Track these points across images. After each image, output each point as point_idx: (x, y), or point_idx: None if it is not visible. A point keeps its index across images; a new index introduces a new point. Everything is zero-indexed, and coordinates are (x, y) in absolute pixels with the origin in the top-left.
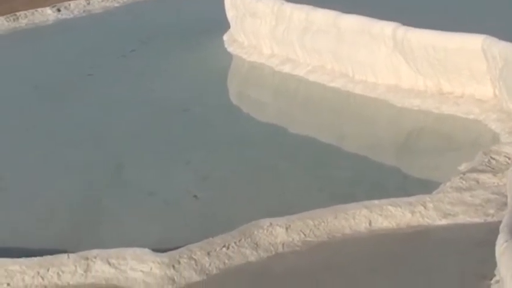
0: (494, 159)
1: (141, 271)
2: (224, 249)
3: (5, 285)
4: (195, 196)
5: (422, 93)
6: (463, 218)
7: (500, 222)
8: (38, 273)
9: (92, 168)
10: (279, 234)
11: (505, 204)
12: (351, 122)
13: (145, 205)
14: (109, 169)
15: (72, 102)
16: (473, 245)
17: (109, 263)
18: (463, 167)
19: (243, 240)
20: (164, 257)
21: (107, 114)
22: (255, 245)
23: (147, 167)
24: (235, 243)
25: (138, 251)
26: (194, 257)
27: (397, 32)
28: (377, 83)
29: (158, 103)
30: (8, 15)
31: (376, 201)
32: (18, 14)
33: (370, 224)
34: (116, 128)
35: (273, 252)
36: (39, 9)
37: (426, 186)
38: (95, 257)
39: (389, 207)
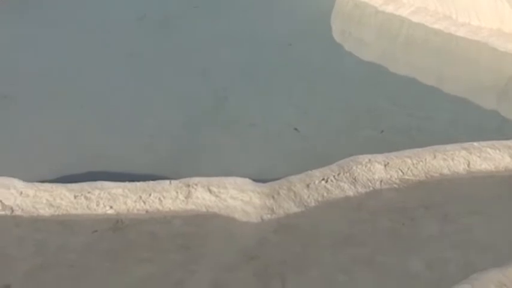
0: None
1: (241, 200)
2: (323, 182)
3: (108, 207)
4: (296, 129)
5: None
6: None
7: None
8: (140, 197)
9: (195, 98)
10: (377, 170)
11: None
12: (452, 65)
13: (247, 136)
14: (212, 100)
15: (178, 33)
16: None
17: (210, 191)
18: None
19: (341, 174)
20: (264, 187)
21: (212, 47)
22: (353, 180)
23: (250, 100)
24: (334, 177)
25: (238, 180)
26: (293, 188)
27: None
28: (480, 26)
29: (263, 38)
30: None
31: (475, 143)
32: None
33: (468, 165)
34: (220, 60)
35: (371, 188)
36: None
37: None
38: (196, 184)
39: (488, 150)
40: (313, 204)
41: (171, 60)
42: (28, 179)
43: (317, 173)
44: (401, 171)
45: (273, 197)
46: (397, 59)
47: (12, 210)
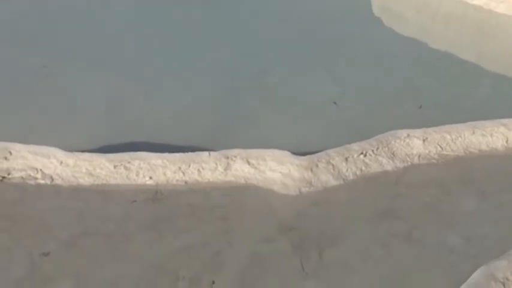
0: None
1: (280, 172)
2: (361, 156)
3: (148, 178)
4: (335, 103)
5: None
6: None
7: None
8: (180, 168)
9: (236, 71)
10: (415, 145)
11: None
12: (492, 41)
13: (286, 109)
14: (252, 73)
15: (220, 6)
16: None
17: (248, 163)
18: None
19: (380, 149)
20: (303, 160)
21: (254, 20)
22: (392, 155)
23: (290, 73)
24: (372, 151)
25: (277, 152)
26: (332, 162)
27: None
28: None
29: (302, 13)
30: None
31: None
32: None
33: (507, 141)
34: (262, 34)
35: (409, 163)
36: None
37: None
38: (235, 156)
39: None
40: (351, 177)
41: (212, 33)
42: (68, 148)
43: (355, 147)
44: (440, 146)
45: (312, 170)
46: (437, 34)
47: (52, 179)
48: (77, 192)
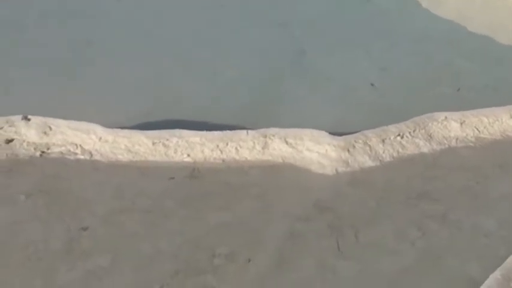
0: None
1: (317, 152)
2: (398, 138)
3: (186, 155)
4: (372, 84)
5: None
6: None
7: None
8: (217, 146)
9: (273, 51)
10: (453, 128)
11: None
12: None
13: (324, 90)
14: (290, 53)
15: None
16: None
17: (286, 142)
18: None
19: (417, 131)
20: (340, 141)
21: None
22: (429, 137)
23: (328, 54)
24: (409, 133)
25: (315, 132)
26: (369, 143)
27: None
28: None
29: None
30: None
31: None
32: None
33: None
34: (299, 13)
35: (446, 146)
36: None
37: None
38: (273, 135)
39: None
40: (388, 159)
41: (252, 13)
42: (107, 125)
43: (393, 128)
44: (477, 129)
45: (349, 151)
46: (475, 17)
47: (91, 155)
48: (115, 168)
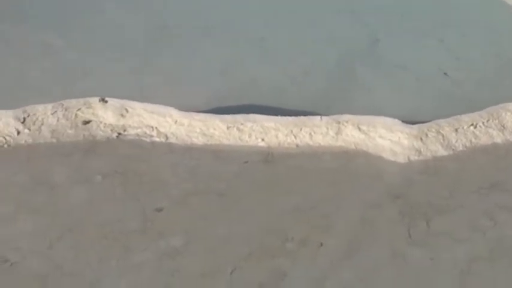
0: None
1: (390, 140)
2: (471, 127)
3: (260, 139)
4: (446, 74)
5: None
6: None
7: None
8: (291, 131)
9: (347, 38)
10: None
11: None
12: None
13: (397, 78)
14: (364, 40)
15: None
16: None
17: (359, 129)
18: None
19: (490, 121)
20: (413, 129)
21: None
22: (502, 127)
23: (401, 42)
24: (482, 123)
25: (388, 120)
26: (442, 132)
27: None
28: None
29: None
30: None
31: None
32: None
33: None
34: (375, 2)
35: None
36: None
37: None
38: (347, 122)
39: None
40: (460, 148)
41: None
42: (182, 108)
43: (466, 118)
44: None
45: (421, 139)
46: None
47: (167, 138)
48: (190, 151)
